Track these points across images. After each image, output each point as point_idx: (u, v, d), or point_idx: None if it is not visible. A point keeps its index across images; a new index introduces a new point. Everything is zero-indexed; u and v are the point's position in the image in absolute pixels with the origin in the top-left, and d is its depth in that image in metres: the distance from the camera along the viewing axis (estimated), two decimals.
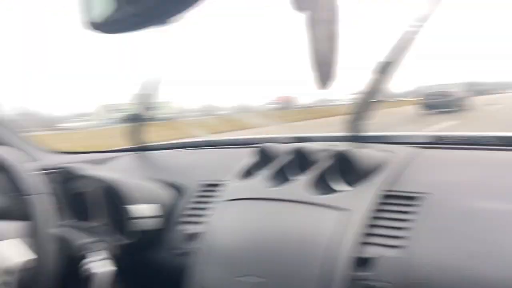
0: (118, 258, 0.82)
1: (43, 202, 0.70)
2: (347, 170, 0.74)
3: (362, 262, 0.63)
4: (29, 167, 0.75)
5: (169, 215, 0.90)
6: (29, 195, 0.69)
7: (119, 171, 0.98)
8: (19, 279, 0.71)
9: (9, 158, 0.74)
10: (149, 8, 0.57)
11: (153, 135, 1.27)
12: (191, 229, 0.84)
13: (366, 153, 0.74)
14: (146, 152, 1.20)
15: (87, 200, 1.04)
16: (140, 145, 1.28)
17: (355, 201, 0.68)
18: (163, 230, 0.89)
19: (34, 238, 0.67)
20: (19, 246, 0.77)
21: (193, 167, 1.04)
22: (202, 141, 1.30)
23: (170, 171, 1.05)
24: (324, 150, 0.80)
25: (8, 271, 0.73)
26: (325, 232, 0.66)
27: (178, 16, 0.55)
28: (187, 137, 1.90)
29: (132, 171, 1.02)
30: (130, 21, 0.63)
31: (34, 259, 0.73)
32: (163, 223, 0.89)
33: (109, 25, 0.63)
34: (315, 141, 0.96)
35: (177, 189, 0.95)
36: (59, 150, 1.38)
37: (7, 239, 0.78)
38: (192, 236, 0.82)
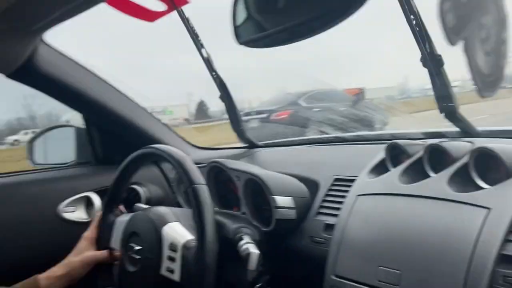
0: (260, 243, 0.91)
1: (206, 192, 0.82)
2: (488, 167, 0.72)
3: (508, 260, 0.61)
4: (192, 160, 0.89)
5: (306, 207, 0.97)
6: (195, 185, 0.82)
7: (258, 165, 1.09)
8: (182, 255, 0.85)
9: (177, 151, 0.88)
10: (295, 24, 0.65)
11: None
12: (326, 220, 0.90)
13: (508, 150, 0.70)
14: (280, 148, 1.30)
15: (232, 191, 1.18)
16: (272, 141, 1.39)
17: (500, 199, 0.66)
18: (300, 220, 0.96)
19: (198, 222, 0.79)
20: (180, 228, 0.93)
21: (325, 162, 1.10)
22: (332, 137, 1.36)
23: (305, 166, 1.12)
24: (459, 147, 0.78)
25: (172, 248, 0.88)
26: (471, 230, 0.65)
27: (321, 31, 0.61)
28: None
29: (270, 165, 1.12)
30: (278, 36, 0.71)
31: (194, 239, 0.86)
32: (301, 214, 0.96)
33: (259, 40, 0.73)
34: (444, 137, 0.94)
35: (312, 183, 1.02)
36: (200, 146, 1.58)
37: (169, 222, 0.94)
38: (327, 227, 0.89)
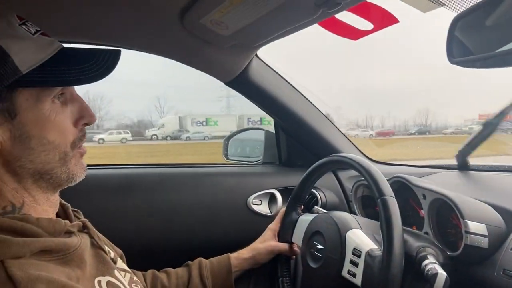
0: (444, 267, 0.88)
1: (395, 204, 0.84)
2: None
3: None
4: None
5: (500, 237, 0.90)
6: (386, 196, 0.85)
7: (444, 186, 1.05)
8: (365, 262, 0.88)
9: (367, 162, 0.93)
10: None
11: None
12: None
13: None
14: (469, 172, 1.22)
15: (412, 209, 1.16)
16: (462, 164, 1.31)
17: None
18: (493, 251, 0.90)
19: (386, 233, 0.81)
20: (363, 235, 0.96)
21: None
22: None
23: (499, 194, 1.03)
24: None
25: (356, 253, 0.92)
26: None
27: None
28: None
29: (458, 188, 1.07)
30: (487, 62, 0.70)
31: (378, 249, 0.89)
32: (494, 244, 0.89)
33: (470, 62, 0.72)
34: None
35: (508, 214, 0.94)
36: (376, 160, 1.58)
37: (353, 228, 0.99)
38: None
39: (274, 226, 1.21)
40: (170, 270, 1.07)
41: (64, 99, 0.65)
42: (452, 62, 0.74)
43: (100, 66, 0.64)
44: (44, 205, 0.66)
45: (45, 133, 0.62)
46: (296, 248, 1.17)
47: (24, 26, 0.61)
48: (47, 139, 0.62)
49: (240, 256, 1.13)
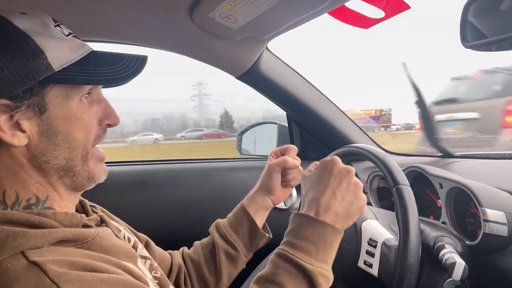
0: (463, 256, 0.87)
1: (411, 193, 0.83)
2: None
3: None
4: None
5: None
6: (401, 185, 0.83)
7: (462, 175, 1.03)
8: (381, 252, 0.87)
9: (381, 152, 0.92)
10: None
11: None
12: None
13: None
14: (480, 160, 1.20)
15: (429, 198, 1.14)
16: (471, 153, 1.29)
17: None
18: (510, 239, 0.88)
19: (403, 222, 0.80)
20: (379, 225, 0.95)
21: None
22: None
23: None
24: None
25: (371, 244, 0.92)
26: None
27: None
28: None
29: (475, 176, 1.04)
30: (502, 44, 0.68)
31: (394, 238, 0.88)
32: (510, 232, 0.87)
33: (485, 45, 0.71)
34: None
35: None
36: (391, 151, 1.56)
37: (368, 218, 0.98)
38: None
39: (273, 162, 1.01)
40: (197, 242, 1.03)
41: (90, 99, 0.68)
42: (466, 46, 0.72)
43: (127, 69, 0.66)
44: (67, 201, 0.68)
45: (72, 130, 0.64)
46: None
47: (58, 28, 0.64)
48: (73, 136, 0.64)
49: (250, 195, 1.02)
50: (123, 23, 1.04)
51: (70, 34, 0.66)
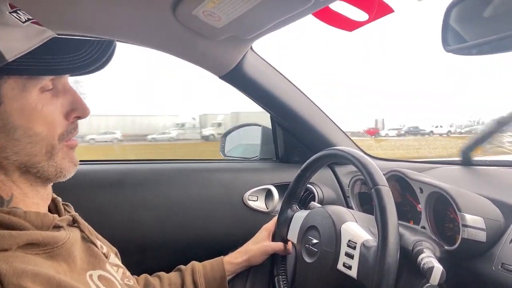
0: (441, 261, 0.87)
1: (390, 193, 0.82)
2: None
3: None
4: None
5: (498, 231, 0.89)
6: (379, 186, 0.83)
7: (443, 181, 1.03)
8: (360, 253, 0.86)
9: (361, 154, 0.91)
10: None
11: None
12: None
13: None
14: (470, 167, 1.21)
15: (409, 203, 1.14)
16: (463, 159, 1.30)
17: None
18: (491, 245, 0.88)
19: (381, 223, 0.79)
20: (358, 227, 0.95)
21: None
22: None
23: (498, 188, 1.02)
24: None
25: (350, 245, 0.91)
26: None
27: None
28: None
29: (456, 182, 1.05)
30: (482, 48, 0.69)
31: (373, 240, 0.87)
32: (492, 238, 0.88)
33: (466, 49, 0.71)
34: None
35: (506, 207, 0.92)
36: (375, 156, 1.57)
37: (348, 221, 0.97)
38: None
39: (269, 226, 1.19)
40: (163, 275, 1.05)
41: (55, 90, 0.63)
42: (447, 50, 0.73)
43: (90, 56, 0.61)
44: (34, 198, 0.64)
45: (31, 124, 0.60)
46: (290, 246, 1.16)
47: (14, 14, 0.60)
48: (33, 130, 0.60)
49: (233, 261, 1.11)
50: (103, 17, 1.02)
51: (28, 20, 0.61)
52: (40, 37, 0.60)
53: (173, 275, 1.05)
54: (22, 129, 0.59)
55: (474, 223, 0.88)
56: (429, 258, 0.83)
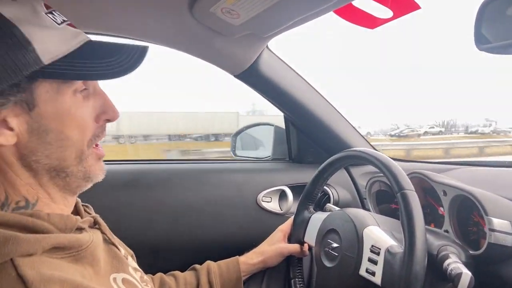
0: (467, 266, 0.84)
1: (417, 198, 0.80)
2: None
3: None
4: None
5: None
6: (406, 190, 0.80)
7: (464, 182, 1.01)
8: (384, 260, 0.84)
9: (384, 156, 0.88)
10: None
11: None
12: None
13: None
14: (489, 168, 1.18)
15: (431, 205, 1.12)
16: (472, 161, 1.27)
17: None
18: None
19: (408, 229, 0.77)
20: (381, 232, 0.92)
21: None
22: None
23: None
24: None
25: (374, 251, 0.88)
26: None
27: None
28: None
29: (478, 184, 1.02)
30: None
31: (399, 245, 0.85)
32: None
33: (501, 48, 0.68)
34: None
35: None
36: (393, 157, 1.54)
37: (370, 225, 0.94)
38: None
39: (285, 227, 1.17)
40: (178, 274, 1.03)
41: (86, 93, 0.62)
42: (481, 49, 0.70)
43: (125, 62, 0.60)
44: (60, 204, 0.63)
45: (64, 127, 0.59)
46: (307, 248, 1.13)
47: (50, 15, 0.59)
48: (65, 134, 0.59)
49: (249, 261, 1.10)
50: (120, 15, 0.99)
51: (63, 21, 0.60)
52: (75, 40, 0.59)
53: (188, 274, 1.04)
54: (55, 132, 0.58)
55: (501, 227, 0.85)
56: (456, 264, 0.81)
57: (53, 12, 0.60)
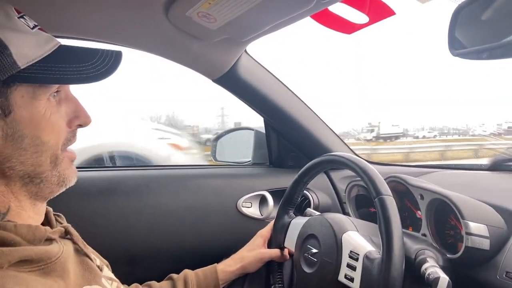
0: (444, 270, 0.84)
1: (394, 203, 0.80)
2: None
3: None
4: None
5: (501, 239, 0.87)
6: (384, 195, 0.80)
7: (440, 186, 1.01)
8: (363, 265, 0.84)
9: (362, 161, 0.88)
10: None
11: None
12: None
13: None
14: (466, 171, 1.19)
15: (408, 209, 1.12)
16: (447, 164, 1.29)
17: None
18: (494, 253, 0.86)
19: (385, 234, 0.77)
20: (360, 237, 0.92)
21: None
22: None
23: (498, 194, 1.00)
24: None
25: (353, 256, 0.88)
26: None
27: None
28: None
29: (454, 188, 1.03)
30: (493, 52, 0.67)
31: (377, 251, 0.85)
32: (496, 246, 0.86)
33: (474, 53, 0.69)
34: None
35: (509, 214, 0.91)
36: (369, 160, 1.54)
37: (349, 230, 0.94)
38: None
39: (264, 232, 1.16)
40: (154, 284, 1.01)
41: (58, 98, 0.62)
42: (454, 55, 0.70)
43: (101, 66, 0.61)
44: (30, 212, 0.61)
45: (39, 132, 0.58)
46: (287, 253, 1.12)
47: (22, 20, 0.58)
48: (41, 139, 0.58)
49: (227, 269, 1.08)
50: (94, 18, 0.97)
51: (35, 26, 0.60)
52: (49, 45, 0.59)
53: (165, 284, 1.02)
54: (30, 137, 0.57)
55: (478, 231, 0.86)
56: (433, 268, 0.81)
57: (24, 17, 0.59)
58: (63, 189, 0.64)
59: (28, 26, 0.58)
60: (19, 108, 0.56)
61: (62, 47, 0.61)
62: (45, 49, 0.58)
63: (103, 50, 0.62)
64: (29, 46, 0.56)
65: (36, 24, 0.61)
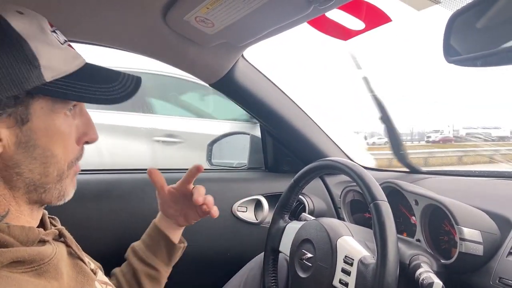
0: (438, 275, 0.85)
1: (389, 209, 0.80)
2: None
3: None
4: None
5: (495, 244, 0.87)
6: (379, 201, 0.81)
7: (435, 192, 1.02)
8: (357, 270, 0.84)
9: (358, 166, 0.89)
10: None
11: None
12: None
13: None
14: (448, 177, 1.20)
15: (403, 215, 1.13)
16: (439, 170, 1.30)
17: None
18: (488, 258, 0.87)
19: (380, 239, 0.77)
20: (355, 242, 0.92)
21: None
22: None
23: (492, 200, 1.01)
24: None
25: (347, 261, 0.88)
26: None
27: None
28: None
29: (449, 194, 1.04)
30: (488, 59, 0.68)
31: (372, 256, 0.85)
32: (489, 251, 0.87)
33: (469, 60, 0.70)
34: None
35: (503, 220, 0.91)
36: (364, 166, 1.55)
37: (344, 235, 0.94)
38: None
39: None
40: (116, 270, 0.97)
41: (73, 111, 0.64)
42: (449, 61, 0.71)
43: (121, 90, 0.63)
44: (27, 217, 0.62)
45: (51, 145, 0.60)
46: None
47: (54, 34, 0.60)
48: (52, 151, 0.60)
49: (161, 216, 1.01)
50: (92, 21, 0.97)
51: (65, 42, 0.62)
52: (76, 62, 0.61)
53: (123, 266, 0.98)
54: (42, 148, 0.59)
55: (471, 236, 0.87)
56: (427, 274, 0.82)
57: (56, 32, 0.61)
58: (61, 203, 0.66)
59: (59, 41, 0.60)
60: (37, 118, 0.57)
61: (87, 66, 0.63)
62: (72, 66, 0.60)
63: (124, 74, 0.65)
64: (57, 61, 0.58)
65: (66, 39, 0.63)
